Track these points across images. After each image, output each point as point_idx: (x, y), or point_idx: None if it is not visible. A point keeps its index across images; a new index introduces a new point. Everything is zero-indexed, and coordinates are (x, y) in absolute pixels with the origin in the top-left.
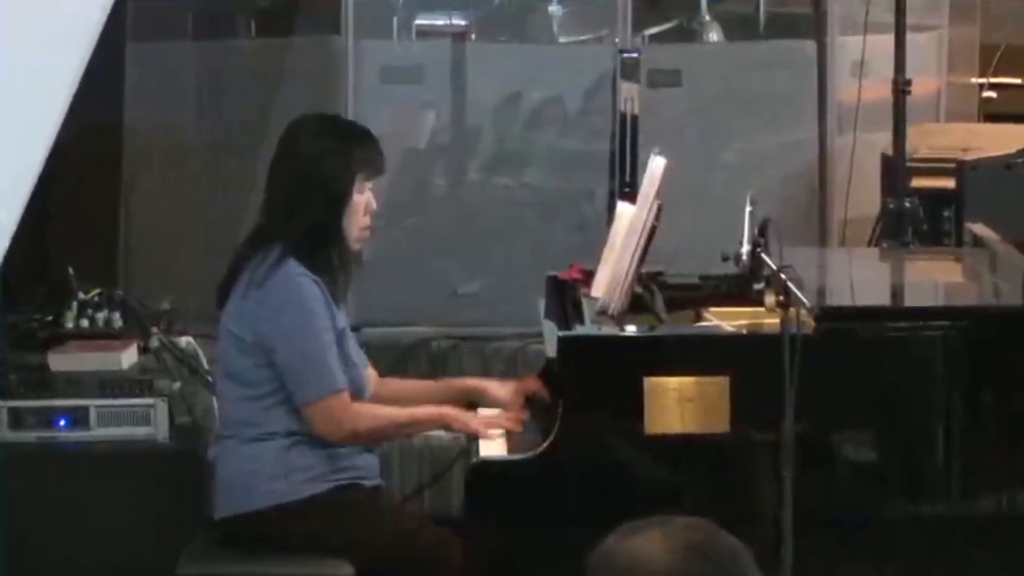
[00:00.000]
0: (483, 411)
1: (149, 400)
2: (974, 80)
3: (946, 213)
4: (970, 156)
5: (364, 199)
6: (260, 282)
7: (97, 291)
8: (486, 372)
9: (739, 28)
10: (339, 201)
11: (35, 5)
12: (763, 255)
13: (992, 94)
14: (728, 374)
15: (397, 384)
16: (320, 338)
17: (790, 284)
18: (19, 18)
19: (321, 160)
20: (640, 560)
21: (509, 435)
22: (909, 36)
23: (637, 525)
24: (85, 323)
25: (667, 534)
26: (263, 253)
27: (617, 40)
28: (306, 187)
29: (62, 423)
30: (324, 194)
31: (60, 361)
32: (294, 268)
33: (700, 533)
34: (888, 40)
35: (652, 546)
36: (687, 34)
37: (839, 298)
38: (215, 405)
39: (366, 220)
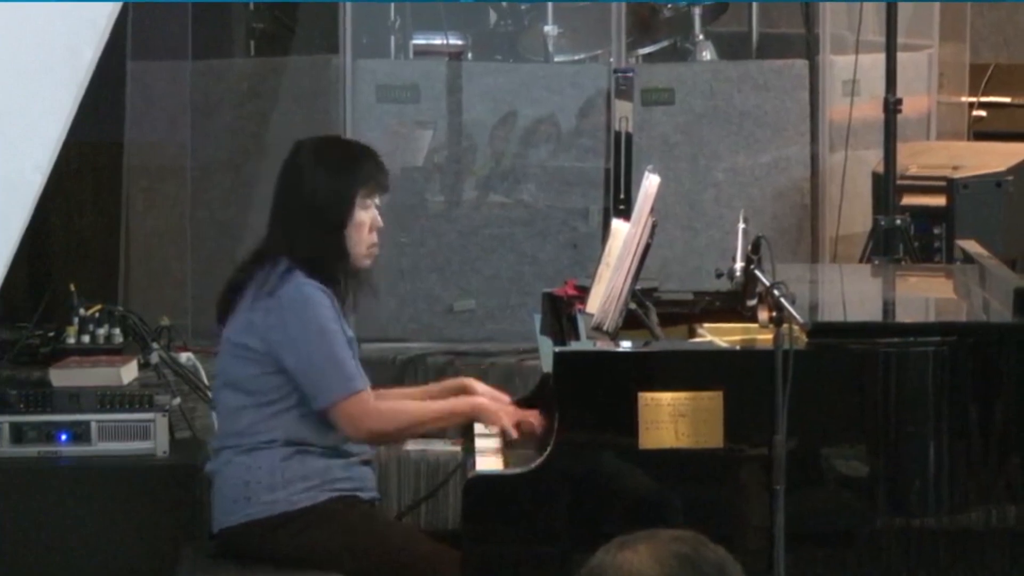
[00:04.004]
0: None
1: (149, 415)
2: (964, 99)
3: (937, 230)
4: (960, 174)
5: (369, 216)
6: (270, 291)
7: (98, 307)
8: None
9: (732, 47)
10: (341, 221)
11: (38, 24)
12: (756, 272)
13: (982, 113)
14: (722, 389)
15: (395, 394)
16: (335, 341)
17: (783, 300)
18: (23, 37)
19: (321, 181)
20: (630, 574)
21: (505, 450)
22: (900, 55)
23: (625, 540)
24: (86, 339)
25: (655, 547)
26: (270, 266)
27: (611, 59)
28: (308, 208)
29: (63, 438)
30: (325, 214)
31: (61, 376)
32: (302, 278)
33: (687, 545)
34: (879, 59)
35: (641, 559)
36: (680, 53)
37: (831, 314)
38: (215, 420)
39: (372, 237)
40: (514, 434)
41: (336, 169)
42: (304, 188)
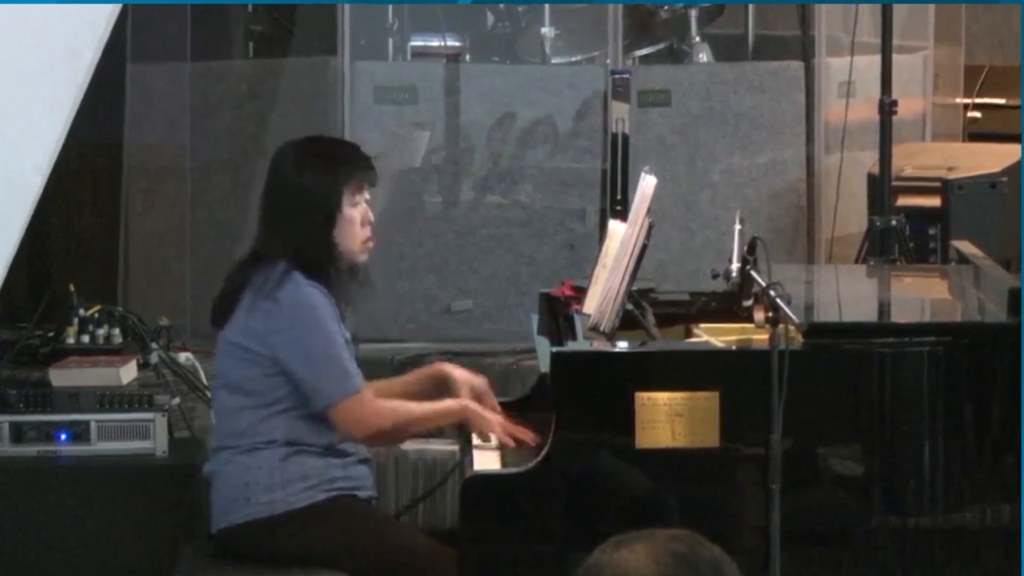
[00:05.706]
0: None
1: (148, 415)
2: (959, 100)
3: (931, 231)
4: (955, 175)
5: (358, 212)
6: (268, 294)
7: (97, 307)
8: None
9: (728, 49)
10: (329, 220)
11: (38, 25)
12: (752, 272)
13: (977, 114)
14: (718, 389)
15: (374, 386)
16: (334, 342)
17: (779, 301)
18: (23, 38)
19: (307, 182)
20: (627, 573)
21: (503, 449)
22: (895, 57)
23: (621, 539)
24: (86, 339)
25: (651, 546)
26: (267, 269)
27: (608, 61)
28: (295, 210)
29: (63, 437)
30: (313, 215)
31: (61, 376)
32: (301, 279)
33: (683, 544)
34: (874, 61)
35: (637, 558)
36: (677, 55)
37: (827, 314)
38: (213, 420)
39: (365, 232)
40: (510, 443)
41: (321, 169)
42: (290, 190)
